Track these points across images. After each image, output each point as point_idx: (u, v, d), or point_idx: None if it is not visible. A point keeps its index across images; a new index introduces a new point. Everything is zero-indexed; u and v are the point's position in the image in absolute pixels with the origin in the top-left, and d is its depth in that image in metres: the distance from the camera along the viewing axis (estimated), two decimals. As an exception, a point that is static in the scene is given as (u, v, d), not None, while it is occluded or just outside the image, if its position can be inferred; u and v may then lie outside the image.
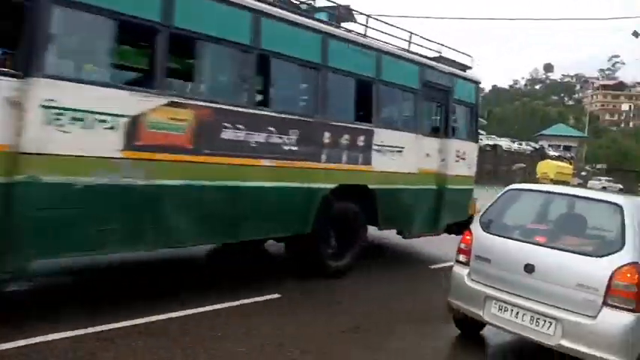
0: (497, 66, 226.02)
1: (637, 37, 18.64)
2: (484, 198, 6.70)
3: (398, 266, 8.09)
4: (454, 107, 8.32)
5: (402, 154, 7.08)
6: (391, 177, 6.93)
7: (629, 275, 3.64)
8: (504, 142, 46.01)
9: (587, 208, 4.53)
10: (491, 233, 4.50)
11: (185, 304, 4.81)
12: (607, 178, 49.25)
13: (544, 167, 40.47)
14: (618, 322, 3.61)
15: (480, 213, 4.90)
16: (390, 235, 8.33)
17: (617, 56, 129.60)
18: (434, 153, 7.75)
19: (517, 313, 4.06)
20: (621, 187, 43.19)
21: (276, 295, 5.52)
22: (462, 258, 4.63)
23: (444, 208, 7.82)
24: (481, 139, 44.51)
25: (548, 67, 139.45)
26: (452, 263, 7.57)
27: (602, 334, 3.65)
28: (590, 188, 35.50)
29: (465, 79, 8.52)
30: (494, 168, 42.54)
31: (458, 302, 4.56)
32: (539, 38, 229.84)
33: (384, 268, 7.68)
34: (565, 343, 3.76)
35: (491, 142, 44.46)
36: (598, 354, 3.63)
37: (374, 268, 7.38)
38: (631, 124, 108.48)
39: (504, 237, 4.42)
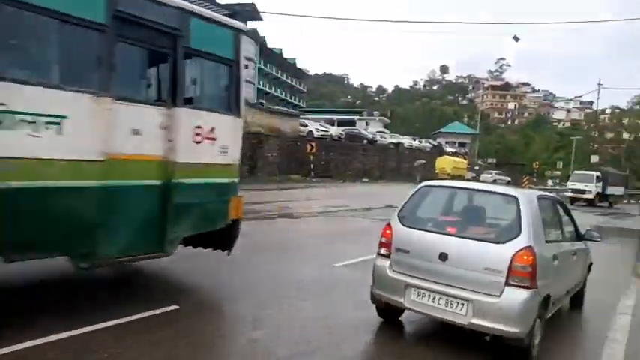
0: (398, 66, 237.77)
1: (517, 41, 20.32)
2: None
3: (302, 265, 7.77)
4: (194, 62, 5.70)
5: (53, 130, 4.11)
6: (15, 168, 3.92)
7: (525, 257, 4.17)
8: (406, 140, 48.18)
9: (489, 200, 5.08)
10: (408, 227, 4.80)
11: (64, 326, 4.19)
12: (497, 172, 53.64)
13: (442, 163, 42.99)
14: (518, 298, 4.12)
15: (398, 208, 5.08)
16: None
17: (503, 59, 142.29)
18: (149, 129, 4.97)
19: (434, 297, 4.41)
20: (509, 179, 47.15)
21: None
22: (383, 251, 4.88)
23: (173, 214, 5.13)
24: (384, 138, 46.45)
25: (444, 69, 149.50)
26: (352, 261, 7.79)
27: (505, 310, 4.12)
28: (483, 181, 38.54)
29: (211, 21, 5.50)
30: (397, 165, 44.44)
31: (381, 292, 4.83)
32: (436, 40, 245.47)
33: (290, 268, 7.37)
34: (475, 320, 4.20)
35: (394, 141, 46.34)
36: (502, 327, 4.12)
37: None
38: (516, 122, 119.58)
39: (420, 229, 4.76)
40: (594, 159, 43.62)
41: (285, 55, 74.32)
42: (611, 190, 31.91)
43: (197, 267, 6.74)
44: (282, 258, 8.13)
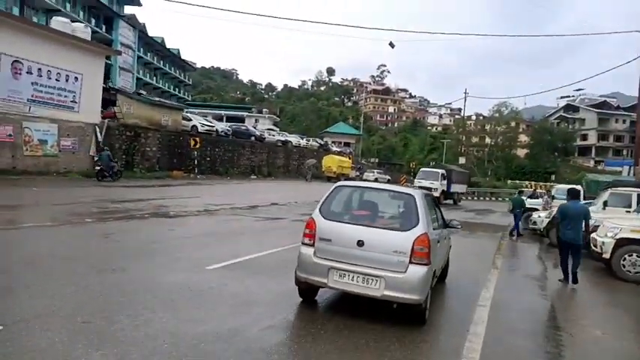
0: (287, 66, 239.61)
1: (392, 47, 21.32)
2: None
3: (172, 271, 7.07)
4: None
5: None
6: None
7: (422, 241, 5.24)
8: (294, 139, 48.41)
9: (392, 197, 6.24)
10: (329, 220, 5.61)
11: None
12: (378, 171, 56.42)
13: (328, 162, 43.98)
14: (419, 273, 5.17)
15: (319, 204, 5.81)
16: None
17: (384, 65, 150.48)
18: None
19: (353, 277, 5.27)
20: (389, 177, 49.88)
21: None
22: (307, 241, 5.58)
23: None
24: (272, 135, 46.23)
25: (331, 71, 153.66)
26: (228, 262, 7.32)
27: (409, 282, 5.14)
28: (365, 179, 40.16)
29: None
30: (285, 162, 44.54)
31: (305, 275, 5.52)
32: (324, 42, 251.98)
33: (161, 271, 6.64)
34: (387, 292, 5.14)
35: (282, 138, 46.33)
36: (407, 296, 5.13)
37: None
38: (396, 124, 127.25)
39: (340, 222, 5.62)
40: (462, 160, 47.93)
41: (168, 45, 70.46)
42: (456, 188, 32.17)
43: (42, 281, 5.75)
44: (146, 262, 7.36)
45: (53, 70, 23.05)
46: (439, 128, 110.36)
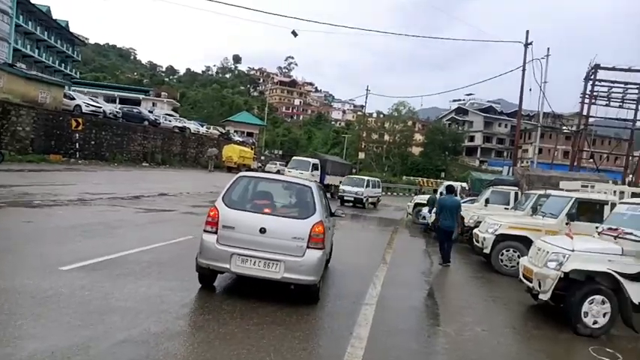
0: (193, 50, 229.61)
1: (295, 36, 20.87)
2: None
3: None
4: None
5: None
6: None
7: (318, 228, 5.71)
8: (193, 125, 46.17)
9: (291, 188, 6.61)
10: (232, 208, 5.85)
11: None
12: (281, 163, 55.90)
13: (229, 151, 42.53)
14: (315, 256, 5.64)
15: (222, 193, 6.00)
16: None
17: (292, 57, 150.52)
18: None
19: (254, 262, 5.57)
20: (291, 170, 49.59)
21: None
22: (209, 228, 5.74)
23: None
24: (169, 121, 43.64)
25: (237, 59, 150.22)
26: (90, 261, 6.31)
27: (306, 265, 5.58)
28: (268, 171, 39.38)
29: None
30: (182, 150, 42.25)
31: (208, 261, 5.70)
32: (233, 28, 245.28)
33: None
34: (286, 275, 5.54)
35: (180, 124, 43.92)
36: (304, 277, 5.58)
37: None
38: (301, 117, 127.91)
39: (242, 210, 5.91)
40: (361, 155, 49.24)
41: (55, 16, 63.45)
42: (331, 180, 29.79)
43: None
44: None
45: None
46: (342, 123, 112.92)
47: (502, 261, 10.32)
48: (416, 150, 79.37)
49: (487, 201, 14.84)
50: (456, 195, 12.06)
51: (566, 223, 9.27)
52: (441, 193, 13.00)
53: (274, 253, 5.54)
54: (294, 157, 32.52)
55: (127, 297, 5.32)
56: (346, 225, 16.51)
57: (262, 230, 5.57)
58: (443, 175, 60.93)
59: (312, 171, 28.06)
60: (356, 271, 8.67)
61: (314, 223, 5.70)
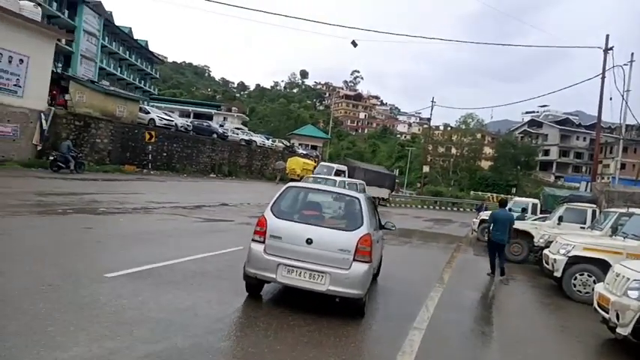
0: (262, 66, 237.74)
1: (355, 46, 20.63)
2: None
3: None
4: None
5: None
6: None
7: (366, 241, 5.63)
8: (258, 138, 47.22)
9: (339, 199, 6.60)
10: (280, 218, 5.84)
11: None
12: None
13: (292, 164, 42.97)
14: (362, 270, 5.54)
15: (270, 203, 5.99)
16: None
17: (357, 71, 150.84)
18: None
19: (300, 273, 5.53)
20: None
21: None
22: (258, 238, 5.76)
23: None
24: (236, 134, 44.98)
25: (304, 74, 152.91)
26: (135, 269, 6.34)
27: (353, 279, 5.48)
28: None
29: None
30: (248, 162, 43.33)
31: (255, 270, 5.70)
32: (300, 43, 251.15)
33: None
34: (332, 287, 5.46)
35: (246, 137, 45.12)
36: (350, 291, 5.49)
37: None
38: (366, 131, 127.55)
39: (290, 220, 5.87)
40: (425, 169, 47.83)
41: (136, 37, 68.08)
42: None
43: None
44: (33, 266, 6.26)
45: (-6, 50, 21.35)
46: (408, 136, 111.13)
47: (575, 286, 9.28)
48: (485, 164, 76.16)
49: (560, 219, 13.60)
50: (506, 208, 11.86)
51: (653, 247, 8.22)
52: (501, 204, 12.32)
53: (320, 265, 5.49)
54: (322, 163, 31.29)
55: (162, 308, 5.21)
56: (404, 240, 15.86)
57: (309, 241, 5.54)
58: (514, 190, 57.76)
59: (334, 176, 25.83)
60: (409, 291, 8.13)
61: (361, 235, 5.61)
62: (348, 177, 27.12)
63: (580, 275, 9.25)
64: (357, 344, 5.14)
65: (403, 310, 6.77)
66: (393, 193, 38.41)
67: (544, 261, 10.53)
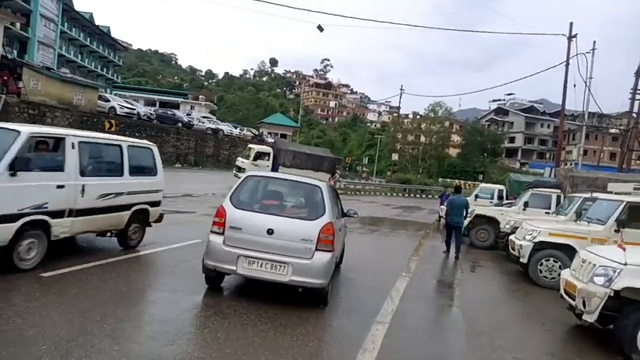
0: (231, 54, 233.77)
1: (321, 30, 20.15)
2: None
3: None
4: None
5: None
6: None
7: (328, 230, 5.54)
8: (225, 127, 46.32)
9: (299, 188, 6.33)
10: (239, 208, 5.68)
11: None
12: (314, 164, 55.42)
13: (260, 153, 42.27)
14: (324, 259, 5.47)
15: (229, 193, 5.83)
16: None
17: (327, 59, 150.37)
18: None
19: (262, 264, 5.42)
20: (324, 172, 48.92)
21: None
22: (216, 229, 5.61)
23: None
24: (202, 122, 43.91)
25: (274, 62, 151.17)
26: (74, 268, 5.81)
27: (315, 268, 5.40)
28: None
29: None
30: (215, 152, 42.40)
31: (214, 263, 5.57)
32: (269, 31, 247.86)
33: None
34: (294, 278, 5.38)
35: (213, 126, 44.13)
36: (313, 280, 5.42)
37: None
38: (336, 119, 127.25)
39: (250, 210, 5.74)
40: (394, 157, 47.93)
41: (98, 22, 65.41)
42: (293, 173, 24.36)
43: None
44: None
45: None
46: (378, 125, 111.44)
47: (541, 272, 9.22)
48: (453, 152, 77.08)
49: (526, 204, 13.63)
50: (461, 194, 12.73)
51: (616, 231, 8.18)
52: (456, 190, 12.85)
53: (282, 255, 5.40)
54: (249, 145, 29.17)
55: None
56: (372, 228, 15.65)
57: (270, 231, 5.42)
58: (481, 177, 58.73)
59: (253, 160, 25.12)
60: (374, 282, 7.86)
61: (323, 224, 5.52)
62: (273, 160, 24.77)
63: (546, 261, 9.19)
64: (315, 343, 4.79)
65: (367, 302, 6.47)
66: (337, 177, 36.39)
67: (510, 247, 10.47)
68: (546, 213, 13.25)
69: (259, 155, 25.42)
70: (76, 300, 4.96)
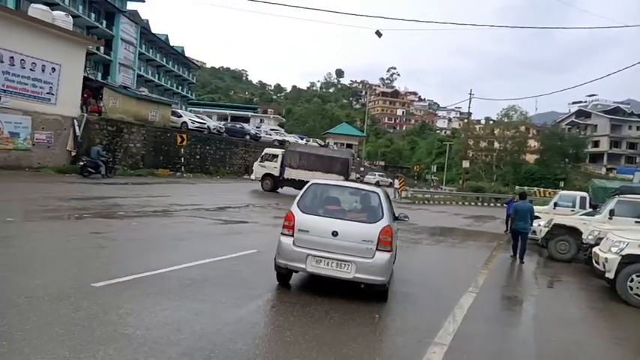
0: (297, 67, 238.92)
1: (380, 36, 19.64)
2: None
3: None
4: None
5: None
6: None
7: (387, 232, 6.06)
8: (292, 138, 46.91)
9: (359, 194, 6.92)
10: (306, 213, 6.24)
11: None
12: (380, 174, 54.72)
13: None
14: (384, 258, 5.98)
15: (297, 200, 6.40)
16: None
17: (394, 68, 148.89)
18: None
19: (328, 262, 5.96)
20: (391, 181, 48.08)
21: None
22: (286, 232, 6.18)
23: None
24: (269, 135, 44.83)
25: (340, 73, 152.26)
26: (129, 277, 5.83)
27: (376, 266, 5.93)
28: (366, 182, 38.47)
29: None
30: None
31: (285, 262, 6.15)
32: (336, 42, 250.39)
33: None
34: (357, 275, 5.91)
35: (279, 138, 44.90)
36: (374, 277, 5.94)
37: None
38: (404, 128, 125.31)
39: (316, 215, 6.28)
40: (465, 164, 45.88)
41: (172, 43, 69.41)
42: (300, 175, 23.47)
43: None
44: (18, 274, 5.85)
45: (28, 59, 21.84)
46: (448, 132, 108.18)
47: (631, 289, 8.09)
48: (531, 158, 72.76)
49: (612, 213, 12.25)
50: (526, 200, 12.75)
51: None
52: (521, 196, 12.74)
53: (346, 255, 5.93)
54: (267, 149, 28.35)
55: (141, 322, 4.63)
56: (439, 239, 14.85)
57: (334, 233, 5.97)
58: (562, 184, 54.87)
59: (260, 162, 25.62)
60: (435, 298, 7.26)
61: (383, 226, 6.05)
62: (281, 162, 24.81)
63: (637, 277, 8.06)
64: None
65: (425, 320, 5.93)
66: (355, 178, 33.14)
67: (594, 260, 9.36)
68: (636, 222, 11.82)
69: (268, 157, 25.84)
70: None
